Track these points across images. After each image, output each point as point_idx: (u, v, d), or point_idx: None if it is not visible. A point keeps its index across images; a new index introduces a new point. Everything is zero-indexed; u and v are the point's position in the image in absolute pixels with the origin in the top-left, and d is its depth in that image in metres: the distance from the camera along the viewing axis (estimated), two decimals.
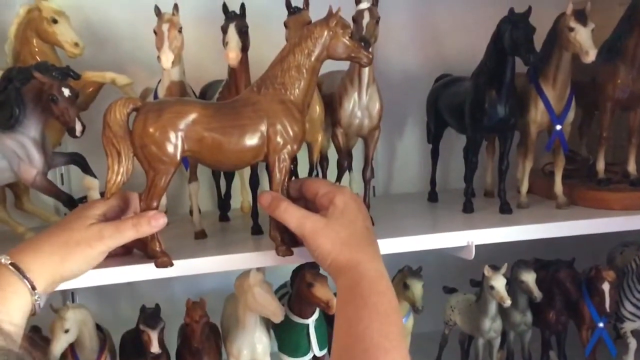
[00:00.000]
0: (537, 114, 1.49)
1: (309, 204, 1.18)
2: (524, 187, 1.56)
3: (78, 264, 1.07)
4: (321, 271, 1.37)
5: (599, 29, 1.41)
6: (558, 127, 1.49)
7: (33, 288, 1.01)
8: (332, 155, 1.50)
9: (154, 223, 1.10)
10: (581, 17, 1.38)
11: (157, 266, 1.15)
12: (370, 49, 1.21)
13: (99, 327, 1.46)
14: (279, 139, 1.14)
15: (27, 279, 1.01)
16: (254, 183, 1.39)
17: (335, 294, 1.29)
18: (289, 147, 1.15)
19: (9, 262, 1.01)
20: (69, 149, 1.53)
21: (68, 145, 1.57)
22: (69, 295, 1.69)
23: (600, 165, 1.57)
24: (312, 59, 1.15)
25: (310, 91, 1.18)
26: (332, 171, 1.50)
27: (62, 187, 1.45)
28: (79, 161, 1.34)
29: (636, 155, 1.58)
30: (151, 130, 1.07)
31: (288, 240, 1.20)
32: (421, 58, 1.90)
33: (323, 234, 1.11)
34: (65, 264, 1.05)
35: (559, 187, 1.53)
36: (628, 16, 1.49)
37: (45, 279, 1.03)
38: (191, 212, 1.58)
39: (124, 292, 1.79)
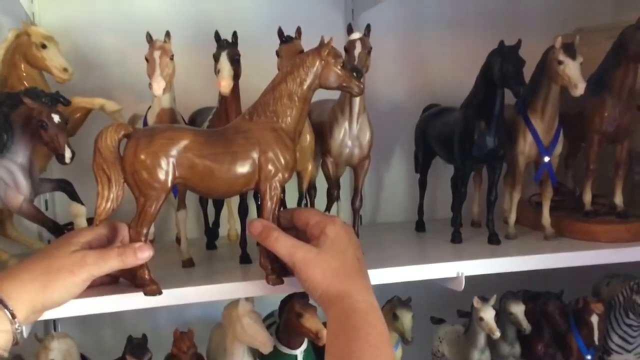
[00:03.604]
0: (526, 146, 1.50)
1: (299, 233, 1.18)
2: (512, 218, 1.57)
3: (59, 291, 1.05)
4: (310, 301, 1.36)
5: (585, 62, 1.42)
6: (546, 158, 1.50)
7: (13, 317, 0.99)
8: (320, 184, 1.50)
9: (140, 255, 1.08)
10: (570, 50, 1.40)
11: (145, 294, 1.13)
12: (361, 79, 1.21)
13: (83, 357, 1.44)
14: (270, 167, 1.13)
15: (6, 307, 0.99)
16: (243, 211, 1.38)
17: (324, 325, 1.28)
18: (280, 175, 1.14)
19: None
20: (54, 175, 1.51)
21: (53, 171, 1.55)
22: (52, 324, 1.65)
23: (587, 197, 1.58)
24: (304, 87, 1.15)
25: (301, 119, 1.18)
26: (319, 200, 1.50)
27: (47, 214, 1.42)
28: (66, 188, 1.32)
29: (622, 188, 1.59)
30: (142, 156, 1.07)
31: (278, 270, 1.19)
32: (409, 88, 1.91)
33: (314, 264, 1.10)
34: (46, 291, 1.03)
35: (546, 218, 1.54)
36: (615, 50, 1.50)
37: (26, 308, 1.01)
38: (177, 240, 1.57)
39: (107, 322, 1.75)
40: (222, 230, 1.63)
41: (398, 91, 1.90)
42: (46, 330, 1.64)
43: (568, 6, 1.98)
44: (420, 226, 1.73)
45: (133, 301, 1.16)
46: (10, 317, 0.99)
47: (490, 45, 1.45)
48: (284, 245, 1.12)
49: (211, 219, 1.60)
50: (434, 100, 1.77)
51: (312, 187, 1.49)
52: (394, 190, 1.94)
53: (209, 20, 1.69)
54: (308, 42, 1.31)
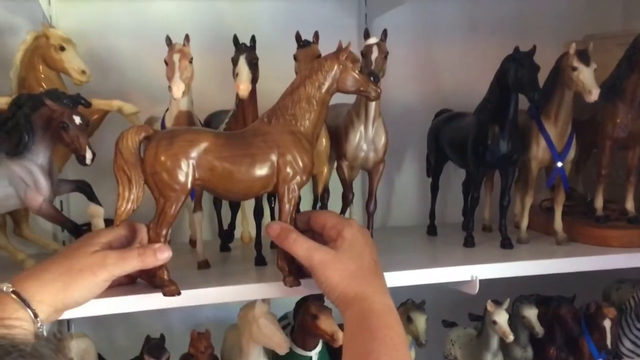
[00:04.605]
0: (539, 151, 1.51)
1: (316, 235, 1.18)
2: (524, 223, 1.58)
3: (81, 291, 1.05)
4: (326, 303, 1.37)
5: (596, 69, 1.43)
6: (559, 164, 1.51)
7: (35, 316, 0.99)
8: (332, 188, 1.51)
9: (160, 255, 1.09)
10: (584, 57, 1.41)
11: (165, 295, 1.14)
12: (378, 83, 1.23)
13: (100, 357, 1.44)
14: (288, 170, 1.14)
15: (29, 307, 0.99)
16: (259, 214, 1.39)
17: (340, 326, 1.29)
18: (298, 177, 1.15)
19: (11, 290, 1.00)
20: (69, 177, 1.52)
21: (68, 172, 1.56)
22: (65, 324, 1.66)
23: (599, 203, 1.58)
24: (323, 91, 1.16)
25: (319, 123, 1.19)
26: (331, 203, 1.51)
27: None
28: (85, 189, 1.32)
29: (634, 194, 1.60)
30: (163, 157, 1.08)
31: (295, 272, 1.20)
32: (421, 93, 1.91)
33: (331, 266, 1.11)
34: (67, 291, 1.04)
35: (559, 223, 1.55)
36: (628, 57, 1.51)
37: (48, 307, 1.02)
38: (191, 242, 1.59)
39: (120, 322, 1.76)
40: (236, 233, 1.64)
41: (410, 96, 1.90)
42: (60, 330, 1.64)
43: (577, 13, 1.99)
44: (432, 230, 1.74)
45: (150, 302, 1.17)
46: (33, 317, 0.99)
47: (501, 51, 1.47)
48: (301, 247, 1.13)
49: (225, 221, 1.60)
50: (446, 105, 1.78)
51: (325, 190, 1.50)
52: (405, 194, 1.94)
53: (224, 24, 1.70)
54: (321, 47, 1.33)
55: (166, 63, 1.26)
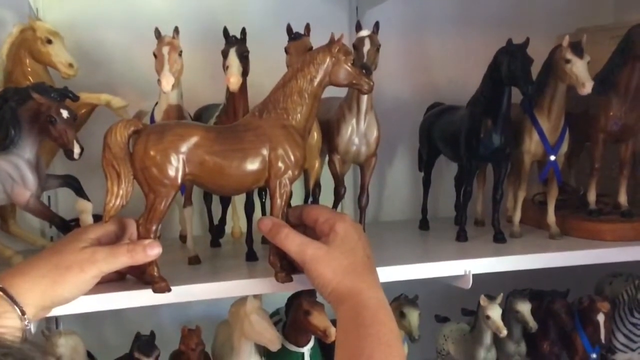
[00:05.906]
0: (532, 145, 1.51)
1: (308, 230, 1.17)
2: (517, 217, 1.57)
3: (69, 288, 1.04)
4: (318, 298, 1.36)
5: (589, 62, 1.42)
6: (552, 157, 1.50)
7: (22, 313, 0.98)
8: (324, 182, 1.49)
9: (149, 252, 1.08)
10: (577, 49, 1.40)
11: (154, 291, 1.12)
12: (370, 76, 1.21)
13: (89, 354, 1.43)
14: (280, 164, 1.13)
15: (16, 304, 0.98)
16: (250, 209, 1.38)
17: (332, 322, 1.28)
18: (290, 172, 1.14)
19: None
20: (57, 172, 1.50)
21: (56, 167, 1.54)
22: (54, 321, 1.64)
23: (592, 196, 1.58)
24: (315, 84, 1.15)
25: (311, 117, 1.18)
26: (323, 198, 1.49)
27: None
28: (73, 184, 1.30)
29: (626, 187, 1.59)
30: (152, 152, 1.06)
31: (286, 267, 1.18)
32: (413, 86, 1.91)
33: (324, 261, 1.09)
34: (56, 288, 1.02)
35: (551, 217, 1.54)
36: (621, 49, 1.51)
37: (35, 304, 1.00)
38: (181, 237, 1.57)
39: (109, 319, 1.75)
40: (227, 228, 1.62)
41: (402, 89, 1.90)
42: (47, 326, 1.62)
43: (570, 6, 1.99)
44: (424, 225, 1.73)
45: (140, 298, 1.15)
46: (20, 314, 0.98)
47: (493, 44, 1.46)
48: (293, 242, 1.11)
49: (216, 216, 1.59)
50: (438, 98, 1.78)
51: (316, 185, 1.48)
52: (397, 188, 1.94)
53: (213, 17, 1.68)
54: (312, 40, 1.32)
55: (155, 56, 1.24)
